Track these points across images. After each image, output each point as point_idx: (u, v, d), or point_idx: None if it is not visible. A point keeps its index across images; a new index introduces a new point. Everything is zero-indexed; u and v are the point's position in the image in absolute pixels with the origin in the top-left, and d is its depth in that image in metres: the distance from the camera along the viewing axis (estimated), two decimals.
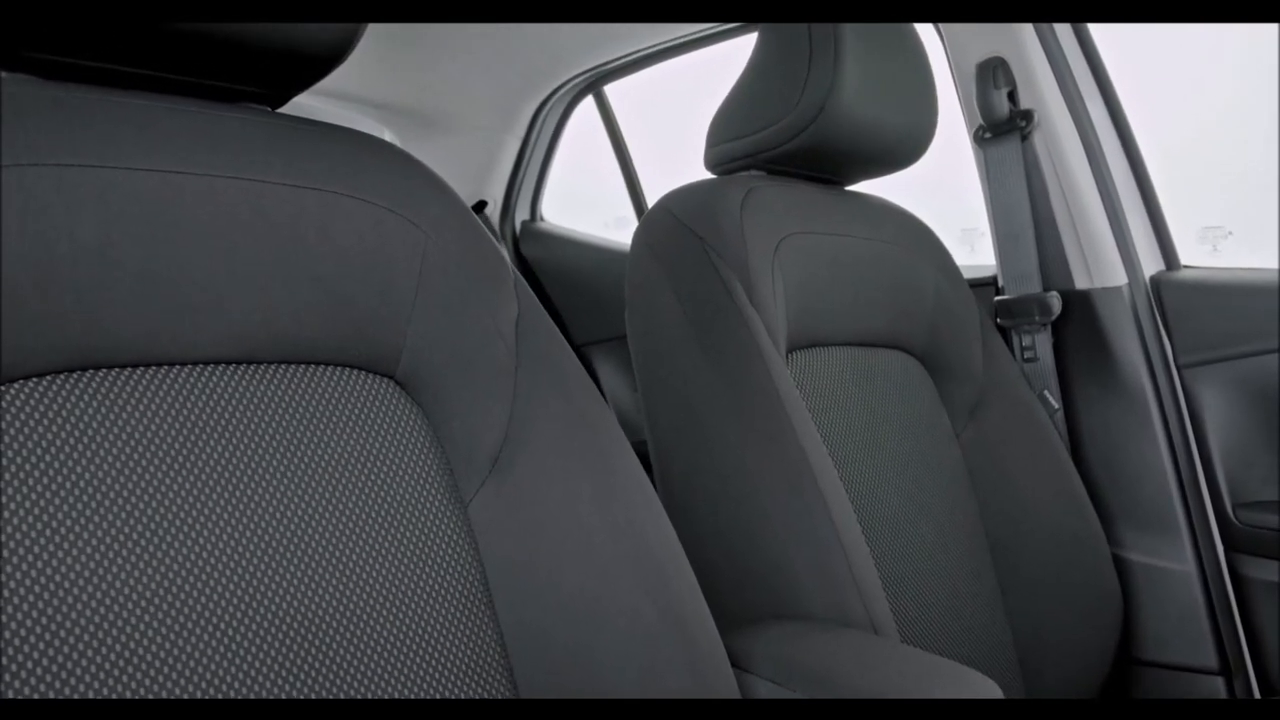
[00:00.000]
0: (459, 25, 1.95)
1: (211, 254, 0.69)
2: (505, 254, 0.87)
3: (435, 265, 0.79)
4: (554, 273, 2.29)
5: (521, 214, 2.33)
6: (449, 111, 2.21)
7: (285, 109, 0.85)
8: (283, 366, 0.75)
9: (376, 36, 1.98)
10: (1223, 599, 1.33)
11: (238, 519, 0.68)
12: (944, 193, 1.83)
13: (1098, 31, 1.43)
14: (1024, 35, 1.40)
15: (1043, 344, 1.43)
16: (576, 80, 2.10)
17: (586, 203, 2.44)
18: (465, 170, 2.29)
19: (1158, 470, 1.35)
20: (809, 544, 0.99)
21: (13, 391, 0.62)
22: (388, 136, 2.33)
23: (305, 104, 2.12)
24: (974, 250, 1.75)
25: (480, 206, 2.30)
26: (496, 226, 2.31)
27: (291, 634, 0.68)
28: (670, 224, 1.14)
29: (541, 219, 2.35)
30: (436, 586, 0.76)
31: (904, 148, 1.27)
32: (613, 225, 2.32)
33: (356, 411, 0.77)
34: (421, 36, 2.00)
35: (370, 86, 2.13)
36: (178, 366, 0.70)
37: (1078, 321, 1.42)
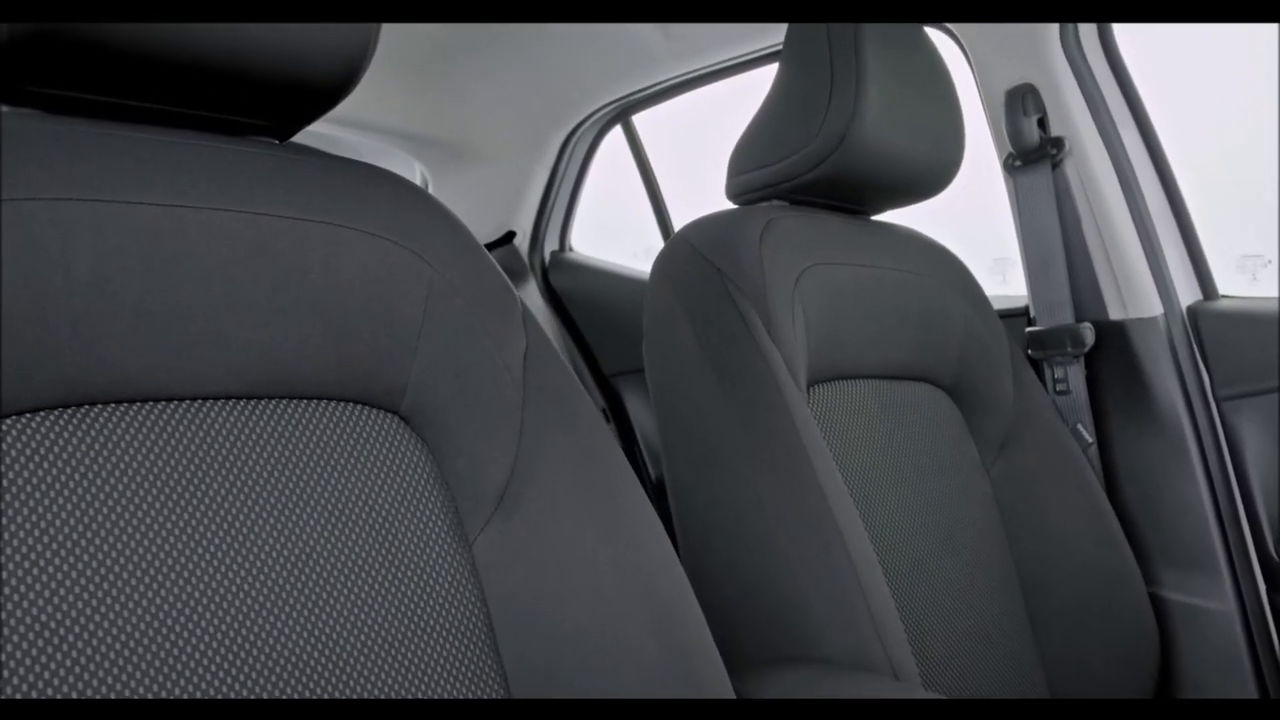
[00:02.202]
0: (487, 57, 1.96)
1: (211, 287, 0.68)
2: (513, 286, 0.86)
3: (441, 298, 0.78)
4: (583, 303, 2.28)
5: (551, 244, 2.33)
6: (478, 143, 2.22)
7: (320, 140, 0.84)
8: (283, 402, 0.74)
9: (406, 70, 1.99)
10: (1265, 640, 1.28)
11: (236, 557, 0.67)
12: (975, 221, 1.80)
13: (1128, 55, 1.40)
14: (1053, 61, 1.37)
15: (1075, 376, 1.40)
16: (604, 110, 2.10)
17: (615, 233, 2.44)
18: (495, 201, 2.30)
19: (1196, 506, 1.31)
20: (826, 583, 0.96)
21: (5, 426, 0.61)
22: (418, 169, 2.34)
23: (336, 137, 2.14)
24: (1005, 280, 1.72)
25: (509, 237, 2.30)
26: (525, 257, 2.31)
27: (290, 673, 0.67)
28: (688, 255, 1.12)
29: (570, 249, 2.35)
30: (439, 625, 0.75)
31: (929, 177, 1.25)
32: (641, 255, 2.31)
33: (359, 448, 0.76)
34: (451, 69, 2.01)
35: (401, 119, 2.15)
36: (175, 402, 0.69)
37: (1112, 353, 1.39)
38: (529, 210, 2.29)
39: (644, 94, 2.02)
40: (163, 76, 0.70)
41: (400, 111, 2.11)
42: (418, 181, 2.33)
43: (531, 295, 2.28)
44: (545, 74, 2.01)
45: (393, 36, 1.86)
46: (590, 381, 2.26)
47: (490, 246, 2.32)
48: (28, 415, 0.63)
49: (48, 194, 0.63)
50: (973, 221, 1.84)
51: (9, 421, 0.62)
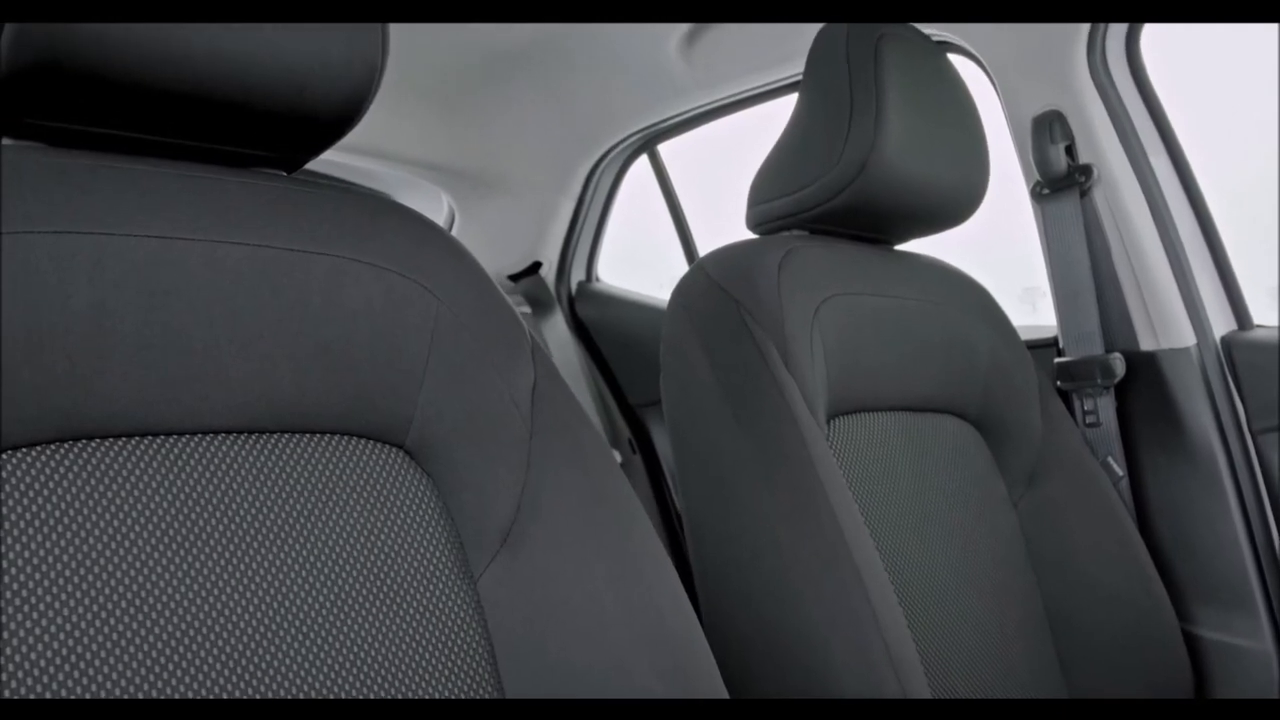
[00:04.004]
0: (513, 87, 1.96)
1: (212, 321, 0.68)
2: (522, 319, 0.85)
3: (448, 331, 0.77)
4: (609, 333, 2.28)
5: (577, 275, 2.32)
6: (504, 173, 2.22)
7: (348, 171, 0.84)
8: (285, 436, 0.73)
9: (433, 101, 2.00)
10: None
11: (235, 593, 0.66)
12: (1005, 249, 1.78)
13: (1158, 80, 1.38)
14: (1081, 87, 1.35)
15: (1105, 408, 1.37)
16: (630, 140, 2.09)
17: (642, 263, 2.43)
18: (521, 231, 2.30)
19: (1231, 542, 1.27)
20: (843, 622, 0.94)
21: (1, 460, 0.61)
22: (445, 200, 2.35)
23: (363, 168, 2.14)
24: (1036, 310, 1.70)
25: (535, 268, 2.29)
26: (552, 287, 2.30)
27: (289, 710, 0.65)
28: (705, 286, 1.11)
29: (597, 279, 2.34)
30: (442, 663, 0.73)
31: (953, 205, 1.23)
32: (668, 285, 2.30)
33: (363, 482, 0.75)
34: (477, 100, 2.01)
35: (427, 151, 2.15)
36: (175, 436, 0.68)
37: (1143, 384, 1.36)
38: (555, 241, 2.28)
39: (669, 123, 2.02)
40: (165, 108, 0.70)
41: (427, 143, 2.12)
42: (444, 212, 2.34)
43: (558, 326, 2.27)
44: (570, 104, 2.01)
45: (419, 67, 1.87)
46: (616, 412, 2.25)
47: (516, 277, 2.31)
48: (24, 450, 0.62)
49: (47, 227, 0.62)
50: (1002, 249, 1.82)
51: (5, 456, 0.61)
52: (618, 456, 2.17)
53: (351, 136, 1.97)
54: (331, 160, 2.05)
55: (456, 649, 0.74)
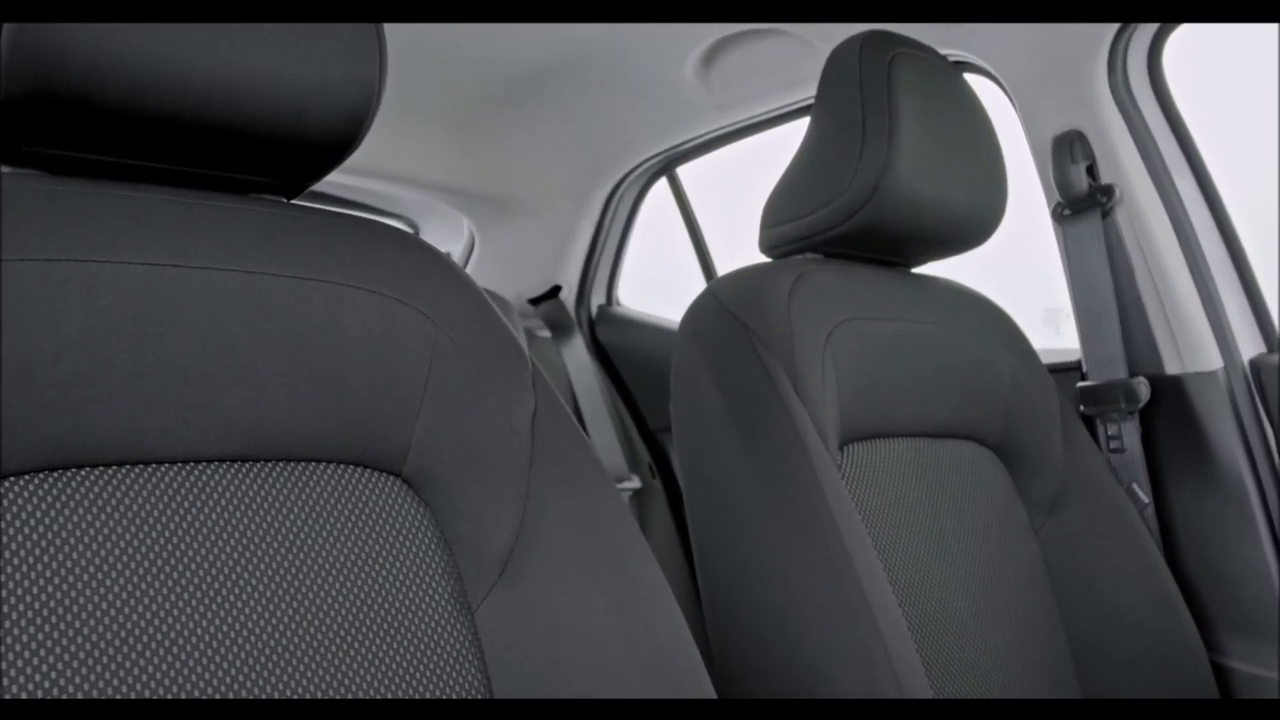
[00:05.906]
0: (532, 110, 1.96)
1: (206, 348, 0.67)
2: (524, 345, 0.84)
3: (447, 358, 0.76)
4: (630, 357, 2.27)
5: (597, 298, 2.32)
6: (524, 197, 2.22)
7: (369, 195, 0.83)
8: (280, 464, 0.72)
9: (452, 125, 2.00)
10: None
11: (227, 624, 0.65)
12: (1027, 269, 1.75)
13: (1181, 97, 1.35)
14: (1102, 106, 1.33)
15: (1130, 433, 1.34)
16: (649, 163, 2.09)
17: (663, 286, 2.42)
18: (541, 255, 2.30)
19: (1260, 570, 1.24)
20: (853, 656, 0.92)
21: None
22: (465, 224, 2.35)
23: (386, 191, 2.15)
24: (1059, 332, 1.67)
25: (555, 291, 2.29)
26: (572, 311, 2.30)
27: None
28: (715, 310, 1.10)
29: (617, 303, 2.34)
30: (438, 695, 0.72)
31: (970, 227, 1.21)
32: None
33: (359, 511, 0.74)
34: (496, 123, 2.01)
35: (447, 174, 2.16)
36: (167, 465, 0.67)
37: (1168, 409, 1.33)
38: (575, 264, 2.28)
39: (687, 146, 2.01)
40: (162, 135, 0.69)
41: (447, 167, 2.13)
42: (464, 236, 2.34)
43: (578, 349, 2.26)
44: (589, 128, 2.01)
45: (439, 92, 1.87)
46: (636, 436, 2.23)
47: (536, 301, 2.31)
48: (11, 479, 0.61)
49: (39, 255, 0.62)
50: (1025, 269, 1.80)
51: None
52: (637, 481, 2.16)
53: (372, 161, 1.97)
54: (352, 185, 2.07)
55: (453, 680, 0.73)
